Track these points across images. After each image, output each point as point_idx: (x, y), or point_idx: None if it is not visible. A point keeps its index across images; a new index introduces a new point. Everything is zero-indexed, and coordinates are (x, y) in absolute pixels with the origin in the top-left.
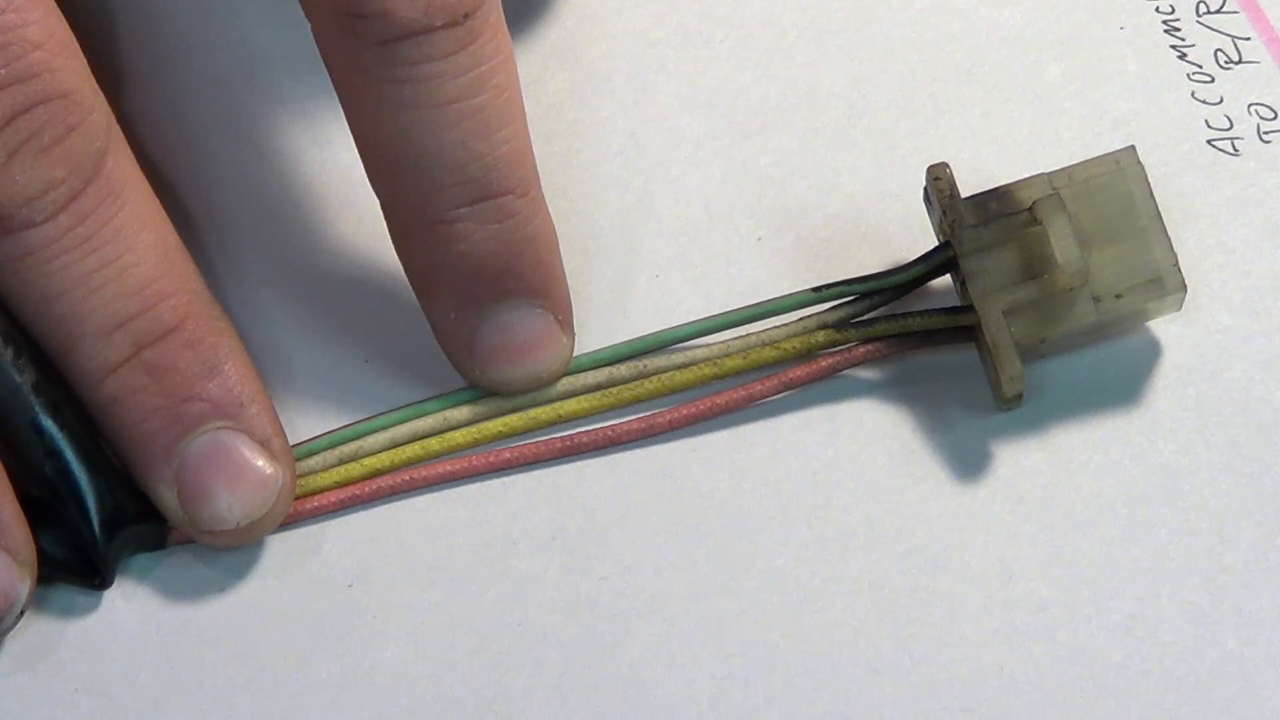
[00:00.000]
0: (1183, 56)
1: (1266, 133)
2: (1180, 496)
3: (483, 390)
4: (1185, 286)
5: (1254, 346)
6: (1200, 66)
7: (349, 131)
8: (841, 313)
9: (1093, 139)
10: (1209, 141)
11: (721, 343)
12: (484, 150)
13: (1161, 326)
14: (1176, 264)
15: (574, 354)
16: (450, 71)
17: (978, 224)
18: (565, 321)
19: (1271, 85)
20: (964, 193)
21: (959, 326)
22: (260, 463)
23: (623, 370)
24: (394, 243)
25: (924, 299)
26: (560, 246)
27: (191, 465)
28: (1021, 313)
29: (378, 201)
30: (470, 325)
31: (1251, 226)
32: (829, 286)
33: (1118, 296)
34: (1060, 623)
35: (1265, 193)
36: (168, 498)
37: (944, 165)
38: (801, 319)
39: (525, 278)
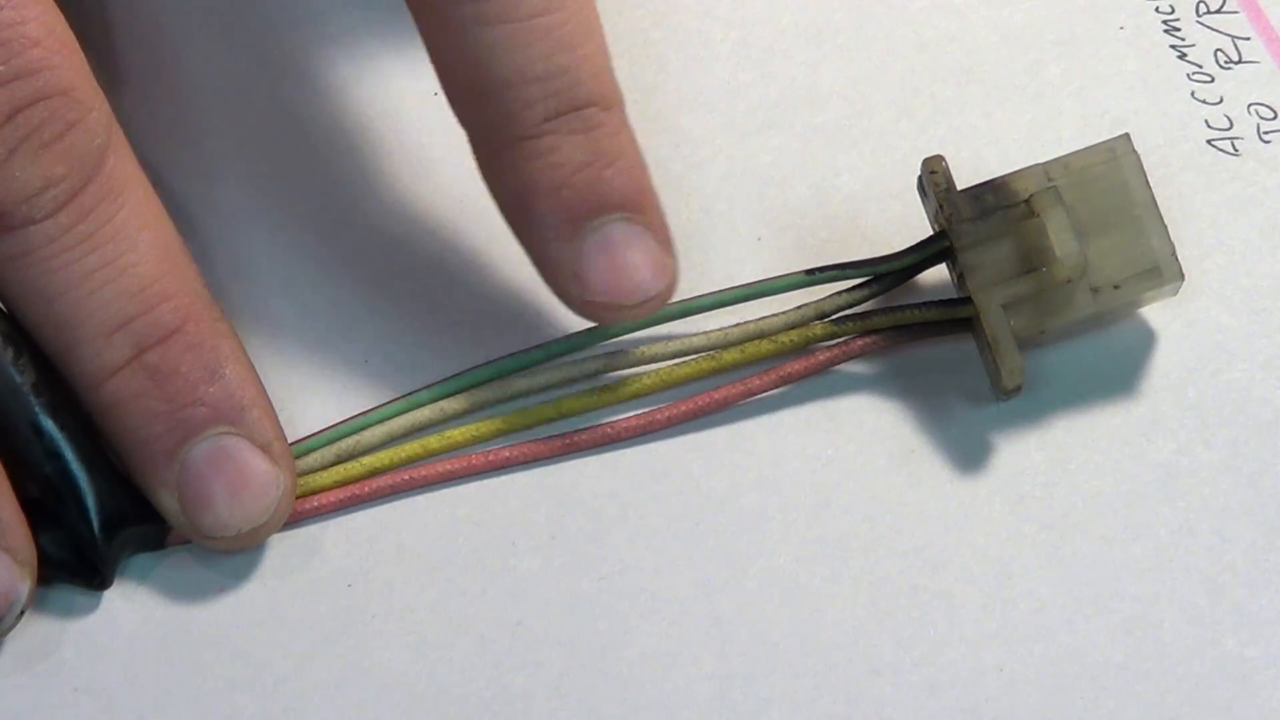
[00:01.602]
0: (1183, 56)
1: (1266, 133)
2: (1180, 496)
3: (592, 321)
4: (1183, 274)
5: (1254, 346)
6: (1200, 66)
7: (349, 131)
8: (838, 301)
9: (1092, 138)
10: (1209, 141)
11: (719, 330)
12: (569, 63)
13: (1162, 326)
14: (1174, 252)
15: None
16: None
17: (975, 217)
18: (665, 241)
19: (1271, 85)
20: (961, 188)
21: (956, 318)
22: (261, 468)
23: (618, 358)
24: (482, 171)
25: (920, 291)
26: None
27: (193, 471)
28: (1020, 305)
29: (378, 201)
30: (571, 245)
31: (1251, 226)
32: (822, 270)
33: (1116, 287)
34: (1060, 623)
35: (1265, 192)
36: (169, 502)
37: (939, 158)
38: (798, 308)
39: (619, 190)
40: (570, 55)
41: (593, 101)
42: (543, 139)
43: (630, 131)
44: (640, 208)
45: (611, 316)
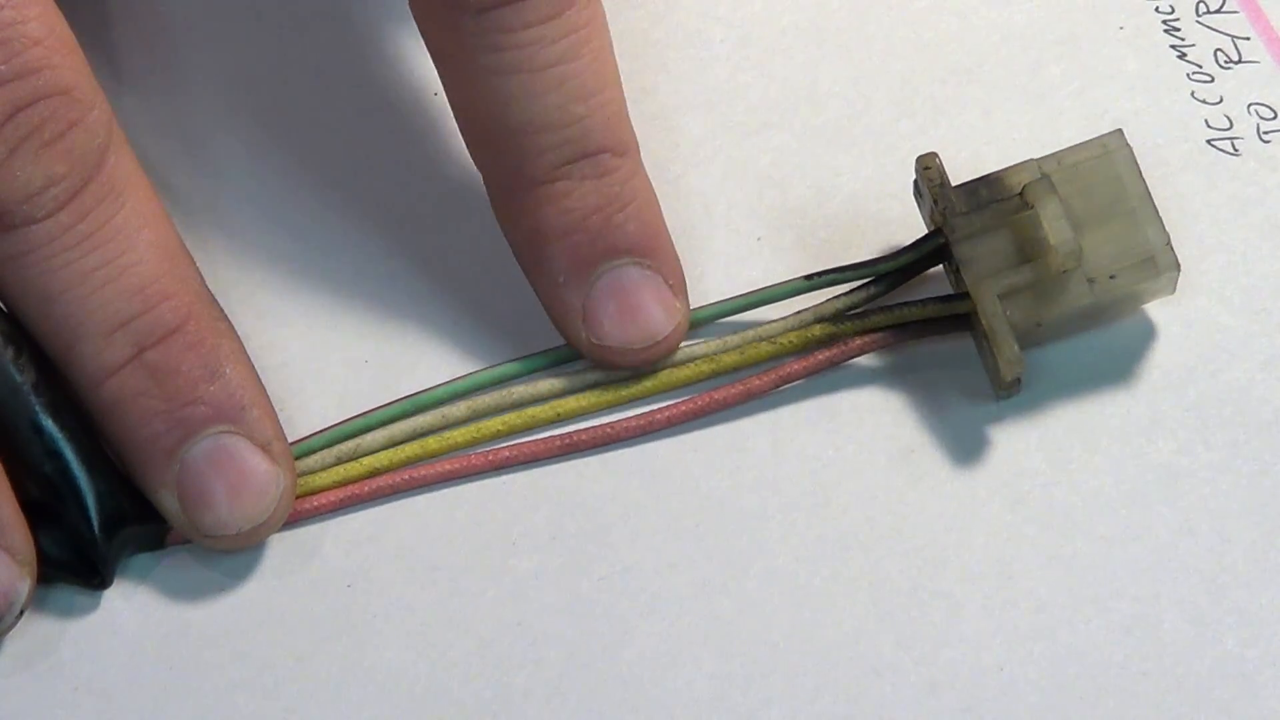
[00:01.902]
0: (1182, 56)
1: (1266, 132)
2: (1180, 496)
3: (599, 365)
4: (1178, 265)
5: (1254, 346)
6: (1200, 66)
7: (350, 131)
8: (837, 304)
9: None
10: (1209, 141)
11: (719, 339)
12: (583, 113)
13: (1162, 325)
14: (1168, 243)
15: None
16: (549, 37)
17: (969, 211)
18: (677, 285)
19: (1271, 85)
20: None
21: (954, 315)
22: (261, 467)
23: None
24: (498, 214)
25: (918, 290)
26: None
27: (193, 470)
28: (1016, 297)
29: (379, 201)
30: (580, 289)
31: (1251, 226)
32: (821, 274)
33: (1111, 277)
34: (1060, 623)
35: (1265, 192)
36: (168, 502)
37: (933, 155)
38: (798, 313)
39: (630, 234)
40: (585, 104)
41: (606, 148)
42: (555, 184)
43: (644, 176)
44: (652, 252)
45: (621, 361)
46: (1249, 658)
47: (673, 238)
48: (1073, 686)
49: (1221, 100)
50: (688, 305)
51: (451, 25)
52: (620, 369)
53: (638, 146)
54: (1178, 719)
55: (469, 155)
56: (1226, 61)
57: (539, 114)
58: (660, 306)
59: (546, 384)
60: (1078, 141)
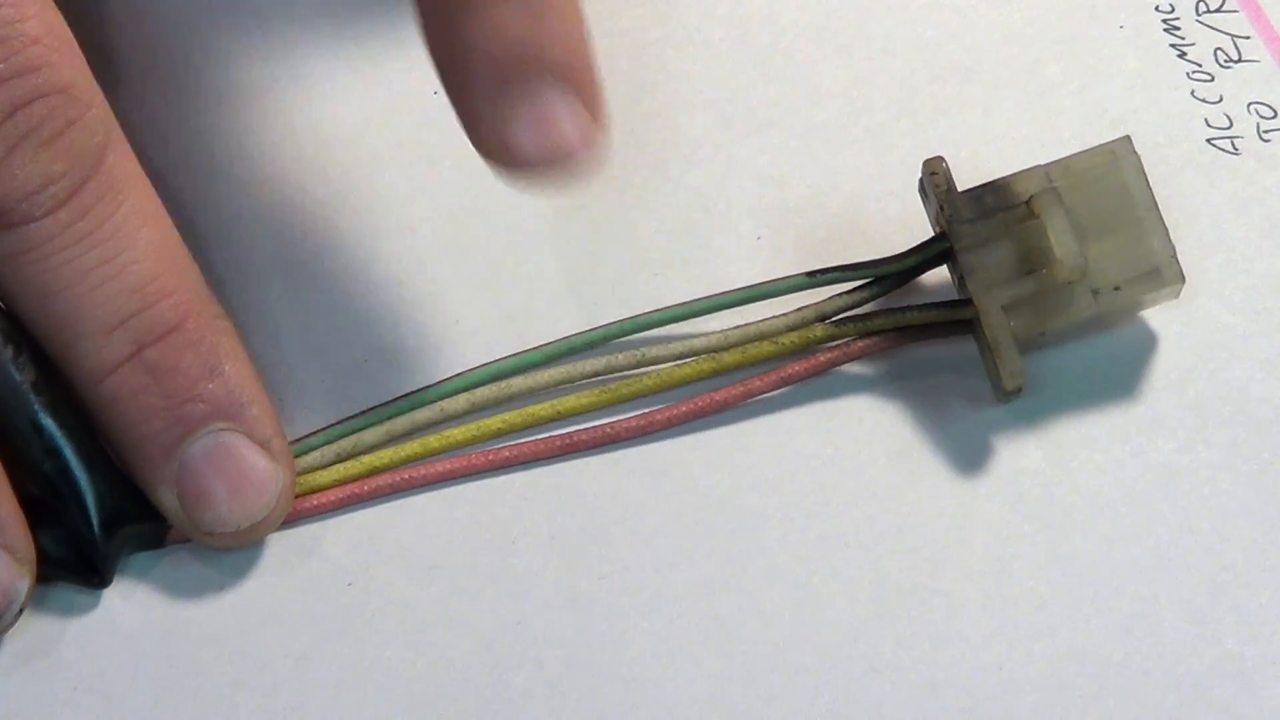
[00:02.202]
0: (1182, 55)
1: (1266, 132)
2: (1180, 496)
3: (516, 183)
4: (1183, 277)
5: (1254, 346)
6: (1200, 65)
7: (349, 130)
8: (839, 302)
9: (1092, 138)
10: (1208, 140)
11: (719, 332)
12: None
13: (1162, 325)
14: (1174, 254)
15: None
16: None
17: (975, 218)
18: (595, 108)
19: (1271, 84)
20: (961, 189)
21: (957, 320)
22: (261, 464)
23: (620, 358)
24: (426, 37)
25: (921, 292)
26: (559, 244)
27: (192, 467)
28: (1020, 306)
29: (378, 200)
30: (501, 108)
31: (1251, 226)
32: (823, 272)
33: (1116, 289)
34: (1060, 622)
35: (1265, 192)
36: (168, 499)
37: (939, 159)
38: (799, 310)
39: (554, 57)
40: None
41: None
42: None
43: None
44: (570, 73)
45: (528, 173)
46: (1249, 657)
47: (672, 238)
48: (1073, 686)
49: (1221, 99)
50: (605, 126)
51: None
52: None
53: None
54: (1177, 719)
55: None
56: (1226, 61)
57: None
58: (576, 126)
59: (544, 377)
60: (1077, 140)
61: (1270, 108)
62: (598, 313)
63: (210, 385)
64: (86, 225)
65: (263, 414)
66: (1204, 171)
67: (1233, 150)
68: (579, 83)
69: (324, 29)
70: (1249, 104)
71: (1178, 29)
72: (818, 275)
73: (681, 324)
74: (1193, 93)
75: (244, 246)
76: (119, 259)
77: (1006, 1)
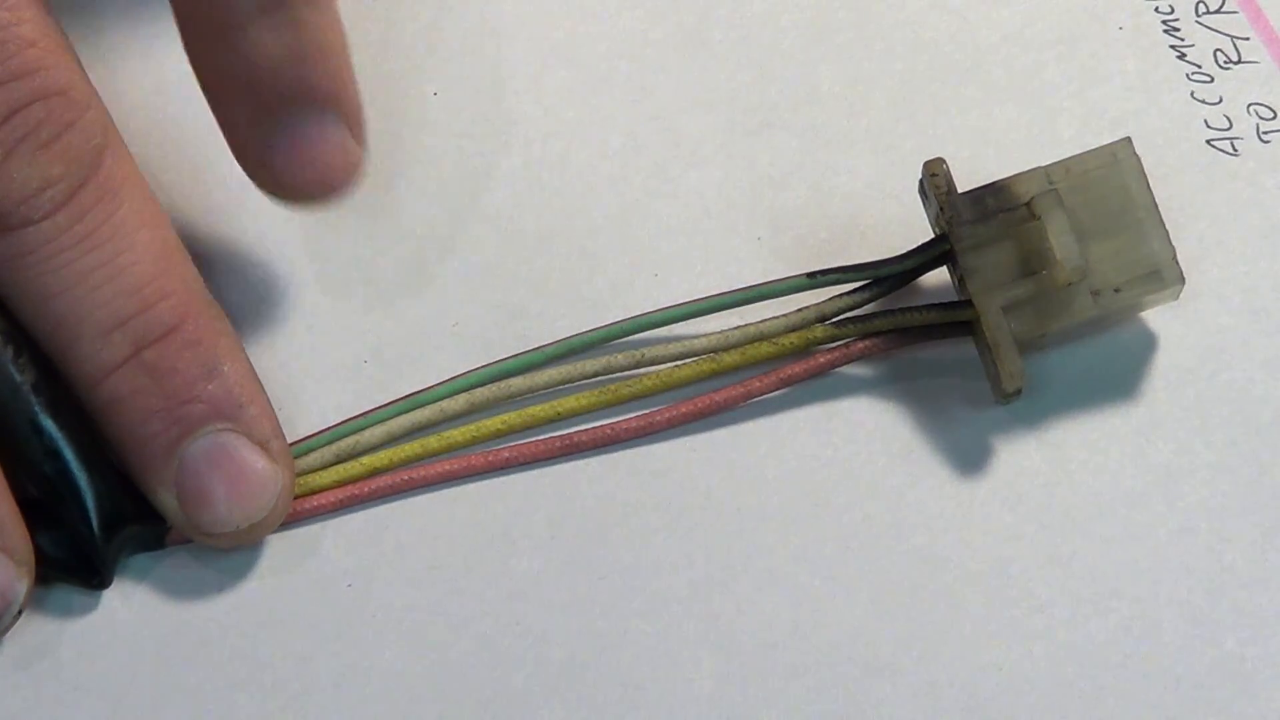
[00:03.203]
0: (1182, 56)
1: (1266, 133)
2: (1180, 496)
3: (280, 202)
4: (1183, 278)
5: (1254, 346)
6: (1199, 66)
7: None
8: (839, 304)
9: (1092, 139)
10: (1208, 141)
11: (719, 333)
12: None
13: (1161, 325)
14: (1174, 256)
15: (362, 164)
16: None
17: (975, 220)
18: (357, 130)
19: (1271, 85)
20: (962, 190)
21: (957, 321)
22: (260, 465)
23: (620, 358)
24: (190, 58)
25: (921, 294)
26: (559, 244)
27: (191, 468)
28: (1020, 308)
29: (377, 201)
30: (263, 133)
31: (1251, 226)
32: (824, 273)
33: (1116, 290)
34: (1060, 622)
35: (1265, 192)
36: (167, 500)
37: (940, 160)
38: (799, 310)
39: (320, 82)
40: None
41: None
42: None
43: (338, 25)
44: (336, 100)
45: (293, 199)
46: (1248, 658)
47: (672, 238)
48: (1073, 686)
49: (1221, 100)
50: (365, 147)
51: None
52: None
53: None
54: (1177, 719)
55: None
56: (1226, 61)
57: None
58: (341, 148)
59: (544, 377)
60: (1077, 141)
61: (1270, 109)
62: (597, 313)
63: (209, 386)
64: (85, 227)
65: (262, 414)
66: (1204, 172)
67: (1232, 151)
68: (341, 106)
69: None
70: (1249, 105)
71: (1177, 30)
72: (818, 276)
73: (681, 324)
74: (1192, 94)
75: (243, 247)
76: (117, 261)
77: (1006, 2)
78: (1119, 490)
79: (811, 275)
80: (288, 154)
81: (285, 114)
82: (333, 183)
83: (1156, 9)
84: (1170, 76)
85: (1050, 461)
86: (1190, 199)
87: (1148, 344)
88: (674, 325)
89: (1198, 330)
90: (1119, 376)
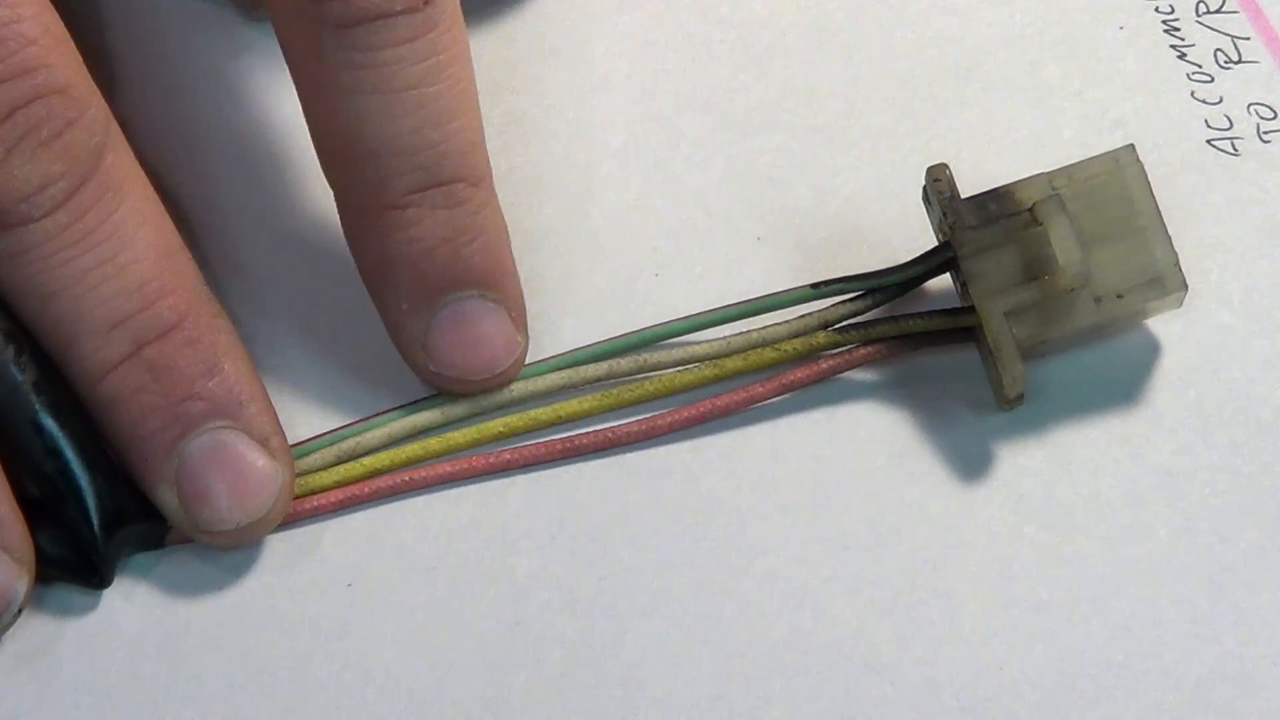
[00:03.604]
0: (1182, 56)
1: (1266, 132)
2: (1180, 496)
3: (436, 390)
4: (1186, 285)
5: (1254, 346)
6: (1200, 66)
7: None
8: (842, 310)
9: (1092, 139)
10: (1209, 141)
11: (722, 339)
12: (437, 139)
13: (1162, 326)
14: (1177, 263)
15: (528, 357)
16: (408, 58)
17: (978, 225)
18: (519, 320)
19: (1271, 85)
20: (964, 192)
21: (959, 327)
22: (260, 462)
23: (623, 364)
24: (346, 235)
25: (924, 300)
26: (560, 245)
27: (191, 465)
28: (1022, 314)
29: None
30: (423, 317)
31: (1251, 226)
32: (827, 283)
33: (1119, 296)
34: (1060, 622)
35: (1265, 193)
36: (167, 497)
37: (943, 166)
38: (802, 317)
39: (477, 267)
40: (440, 130)
41: (459, 177)
42: (405, 211)
43: (496, 207)
44: (496, 285)
45: (455, 388)
46: (1248, 657)
47: (673, 238)
48: (1073, 686)
49: (1221, 100)
50: (527, 338)
51: (311, 40)
52: (457, 393)
53: (491, 176)
54: (1177, 719)
55: (324, 176)
56: (1226, 61)
57: (394, 137)
58: (500, 339)
59: (546, 382)
60: (1077, 141)
61: (1270, 109)
62: (598, 313)
63: (209, 383)
64: (85, 225)
65: (262, 412)
66: (1204, 172)
67: (1233, 151)
68: (500, 290)
69: None
70: (1249, 105)
71: (1177, 30)
72: (822, 287)
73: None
74: (1193, 94)
75: (244, 246)
76: (118, 259)
77: (1006, 3)
78: (1119, 490)
79: (815, 286)
80: (447, 337)
81: (445, 295)
82: (491, 366)
83: (1156, 9)
84: (1170, 76)
85: (1051, 462)
86: (1190, 199)
87: (1148, 344)
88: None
89: (1198, 330)
90: (1119, 377)
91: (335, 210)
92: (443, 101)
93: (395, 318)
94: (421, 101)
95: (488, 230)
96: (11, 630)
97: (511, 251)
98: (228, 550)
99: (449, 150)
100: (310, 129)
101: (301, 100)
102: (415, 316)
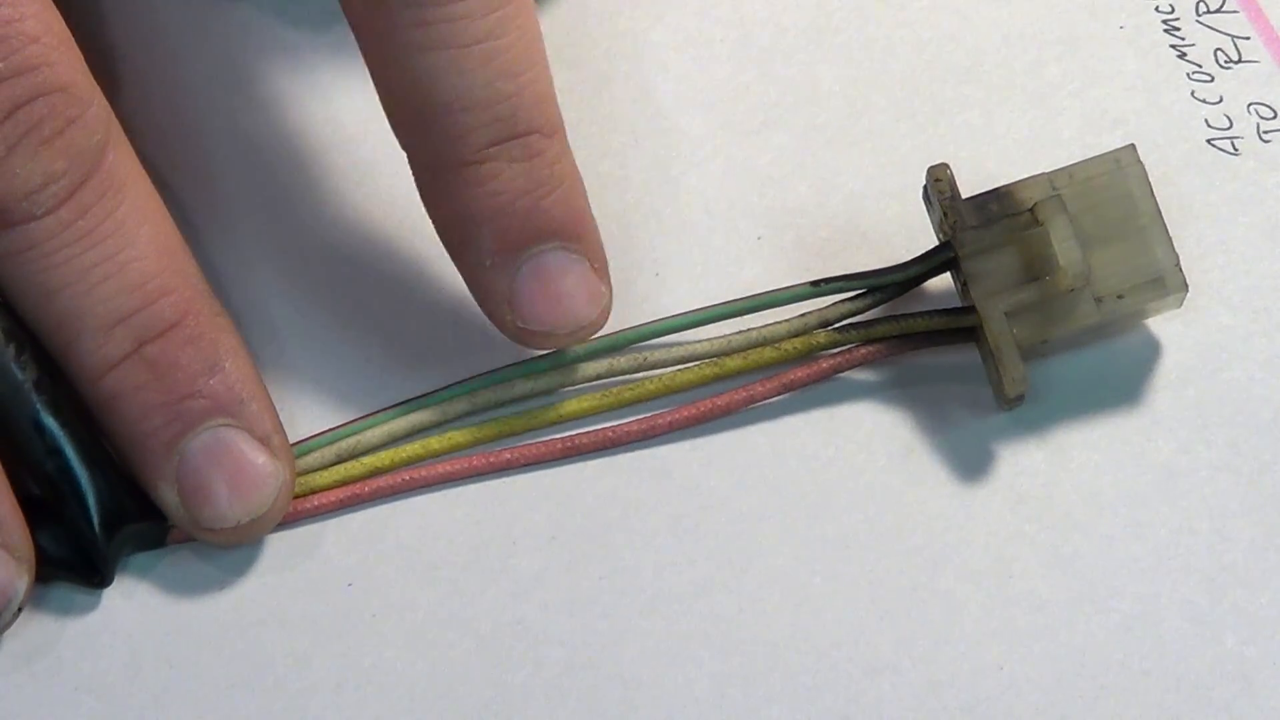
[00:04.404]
0: (1182, 56)
1: (1266, 132)
2: (1180, 496)
3: (526, 347)
4: (1186, 286)
5: (1254, 346)
6: (1200, 66)
7: (350, 130)
8: (842, 309)
9: (1093, 138)
10: (1209, 141)
11: (722, 338)
12: (510, 90)
13: (1162, 326)
14: (1178, 263)
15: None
16: (476, 12)
17: (979, 225)
18: (601, 269)
19: (1271, 85)
20: (964, 192)
21: (960, 327)
22: (261, 460)
23: (622, 362)
24: (422, 196)
25: (924, 299)
26: None
27: (192, 463)
28: (1023, 314)
29: (380, 199)
30: (506, 272)
31: (1251, 226)
32: (827, 281)
33: (1119, 297)
34: (1060, 622)
35: (1265, 192)
36: (168, 495)
37: (944, 166)
38: (802, 316)
39: (557, 218)
40: (513, 82)
41: (534, 128)
42: (483, 165)
43: (571, 158)
44: (577, 236)
45: (544, 344)
46: (1249, 657)
47: (673, 238)
48: (1073, 686)
49: (1221, 100)
50: (610, 288)
51: (377, 1)
52: (542, 349)
53: (564, 127)
54: (1177, 719)
55: (396, 139)
56: (1226, 61)
57: (466, 91)
58: (585, 291)
59: (546, 380)
60: (1077, 141)
61: (1270, 108)
62: None
63: (210, 381)
64: (87, 223)
65: (263, 410)
66: (1204, 172)
67: (1233, 151)
68: (583, 245)
69: (324, 30)
70: (1249, 104)
71: (1178, 30)
72: (821, 285)
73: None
74: (1193, 93)
75: (244, 247)
76: (119, 257)
77: (1006, 3)
78: (1119, 490)
79: (815, 284)
80: (533, 291)
81: (527, 249)
82: (579, 319)
83: (1156, 9)
84: (1171, 76)
85: (1051, 462)
86: (1191, 199)
87: (1148, 344)
88: (676, 335)
89: (1198, 330)
90: (1120, 376)
91: (335, 208)
92: (513, 53)
93: (478, 275)
94: (492, 54)
95: (565, 181)
96: (11, 630)
97: (588, 202)
98: (228, 549)
99: (522, 102)
100: (379, 90)
101: (368, 62)
102: (499, 272)
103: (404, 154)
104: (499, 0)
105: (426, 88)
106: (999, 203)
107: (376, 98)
